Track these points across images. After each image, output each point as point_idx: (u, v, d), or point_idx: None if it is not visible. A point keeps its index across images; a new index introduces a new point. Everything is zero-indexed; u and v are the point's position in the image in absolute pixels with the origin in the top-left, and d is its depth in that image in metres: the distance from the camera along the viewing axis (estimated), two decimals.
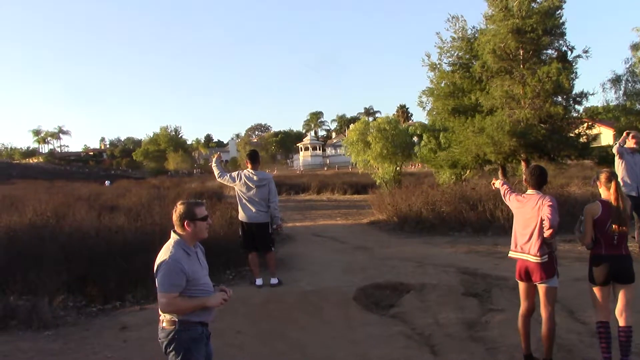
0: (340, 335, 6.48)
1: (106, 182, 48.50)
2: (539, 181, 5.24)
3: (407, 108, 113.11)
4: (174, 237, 3.72)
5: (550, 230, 4.82)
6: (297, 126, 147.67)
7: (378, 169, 28.72)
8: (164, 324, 3.64)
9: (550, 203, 4.93)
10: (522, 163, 19.31)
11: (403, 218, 15.01)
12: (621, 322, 4.90)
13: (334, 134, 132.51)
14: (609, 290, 5.01)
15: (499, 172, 21.15)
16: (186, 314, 3.60)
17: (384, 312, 7.35)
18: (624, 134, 9.23)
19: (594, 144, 22.33)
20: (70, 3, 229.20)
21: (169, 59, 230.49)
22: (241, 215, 8.63)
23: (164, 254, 3.64)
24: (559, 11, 18.57)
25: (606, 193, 5.04)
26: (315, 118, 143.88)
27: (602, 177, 5.11)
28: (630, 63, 28.57)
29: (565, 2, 18.56)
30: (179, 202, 3.84)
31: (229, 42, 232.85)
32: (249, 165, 8.72)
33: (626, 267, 4.94)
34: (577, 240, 5.47)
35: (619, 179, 8.62)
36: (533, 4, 18.48)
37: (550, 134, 18.27)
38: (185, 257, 3.65)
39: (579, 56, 18.93)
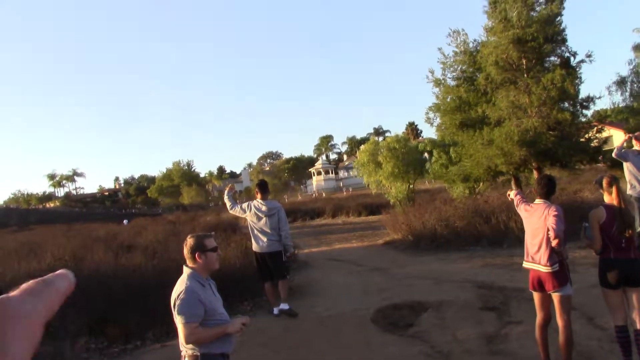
0: (361, 357, 6.47)
1: (124, 221, 48.88)
2: (546, 190, 5.26)
3: (416, 125, 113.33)
4: (186, 270, 3.81)
5: (557, 240, 4.83)
6: (308, 151, 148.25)
7: (391, 188, 28.70)
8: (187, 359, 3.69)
9: (556, 212, 4.94)
10: (534, 172, 19.24)
11: (418, 236, 14.97)
12: (637, 326, 4.87)
13: (345, 157, 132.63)
14: (621, 294, 4.99)
15: (512, 183, 21.07)
16: (207, 346, 3.65)
17: (403, 332, 7.31)
18: (625, 136, 9.18)
19: (606, 147, 22.22)
20: (78, 41, 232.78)
21: (177, 94, 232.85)
22: (254, 246, 8.68)
23: (179, 287, 3.72)
24: (559, 18, 18.64)
25: (609, 197, 5.05)
26: (326, 142, 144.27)
27: (604, 181, 5.12)
28: (634, 64, 28.56)
29: (564, 8, 18.65)
30: (189, 236, 3.94)
31: (231, 71, 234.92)
32: (259, 196, 8.78)
33: (636, 270, 4.92)
34: (585, 246, 5.47)
35: (627, 182, 8.64)
36: (532, 13, 18.57)
37: (560, 140, 18.21)
38: (201, 288, 3.73)
39: (582, 61, 18.93)
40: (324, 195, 69.51)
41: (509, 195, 5.98)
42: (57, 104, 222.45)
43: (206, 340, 3.64)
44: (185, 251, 3.85)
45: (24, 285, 0.62)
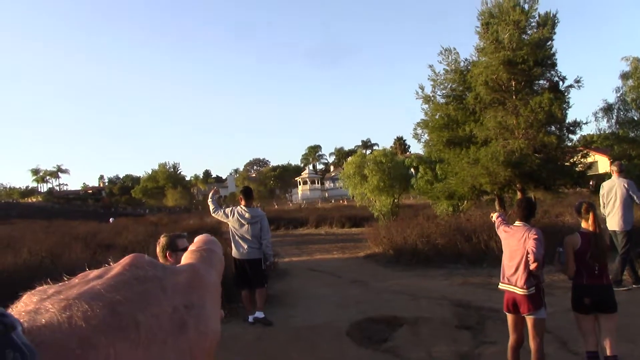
0: None
1: (111, 219, 48.86)
2: (526, 213, 5.29)
3: (404, 140, 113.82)
4: None
5: (536, 264, 4.85)
6: (296, 160, 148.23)
7: (375, 201, 28.73)
8: None
9: (536, 236, 4.97)
10: (519, 193, 19.35)
11: (398, 251, 14.97)
12: (607, 352, 4.91)
13: (332, 167, 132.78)
14: (593, 320, 5.02)
15: (496, 203, 21.19)
16: None
17: (377, 347, 7.30)
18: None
19: (590, 172, 22.42)
20: (66, 40, 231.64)
21: (167, 95, 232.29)
22: (234, 252, 8.65)
23: None
24: (549, 42, 18.83)
25: (585, 224, 5.09)
26: (314, 152, 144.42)
27: (582, 208, 5.17)
28: (621, 92, 28.87)
29: (555, 33, 18.86)
30: (162, 235, 3.91)
31: (225, 76, 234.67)
32: (243, 202, 8.76)
33: (608, 296, 4.97)
34: (559, 271, 5.50)
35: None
36: (523, 36, 18.74)
37: (545, 163, 18.36)
38: None
39: (570, 86, 19.14)
40: (319, 204, 69.32)
41: (492, 217, 6.01)
42: (44, 99, 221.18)
43: None
44: (158, 250, 3.83)
45: (194, 255, 0.63)
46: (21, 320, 0.45)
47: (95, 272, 0.56)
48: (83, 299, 0.48)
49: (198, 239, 0.69)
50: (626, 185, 9.48)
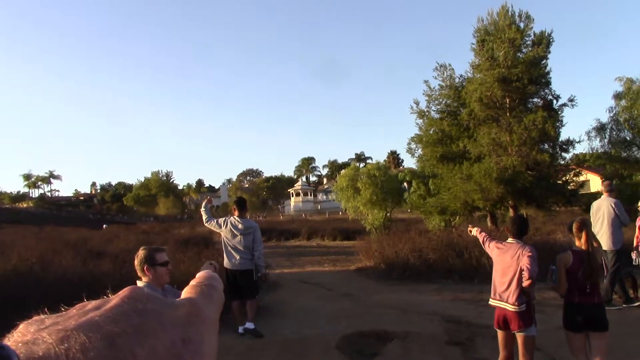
0: None
1: (104, 225, 49.08)
2: (519, 230, 5.32)
3: (398, 154, 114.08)
4: (140, 285, 3.70)
5: (529, 281, 4.87)
6: (289, 171, 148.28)
7: (368, 215, 28.77)
8: None
9: (530, 254, 4.99)
10: (510, 210, 19.42)
11: (390, 265, 14.95)
12: None
13: (325, 180, 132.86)
14: (584, 338, 5.02)
15: (488, 219, 21.26)
16: None
17: None
18: None
19: (582, 191, 22.53)
20: (58, 46, 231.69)
21: (161, 104, 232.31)
22: (226, 263, 8.62)
23: None
24: (544, 61, 19.01)
25: (578, 242, 5.12)
26: (307, 163, 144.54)
27: (574, 226, 5.19)
28: (614, 112, 29.09)
29: (550, 52, 19.03)
30: (141, 248, 3.87)
31: (220, 87, 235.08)
32: (236, 213, 8.74)
33: (599, 315, 4.98)
34: (551, 289, 5.51)
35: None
36: (518, 54, 18.90)
37: (538, 180, 18.46)
38: (160, 293, 3.66)
39: (564, 105, 19.33)
40: (317, 216, 69.28)
41: (470, 231, 6.02)
42: (37, 104, 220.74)
43: None
44: (136, 262, 3.78)
45: (195, 290, 0.63)
46: (18, 352, 0.45)
47: (93, 303, 0.56)
48: (81, 331, 0.48)
49: (200, 275, 0.70)
50: (613, 205, 9.54)
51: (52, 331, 0.48)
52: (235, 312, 8.65)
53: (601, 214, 9.63)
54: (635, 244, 9.88)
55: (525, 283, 4.92)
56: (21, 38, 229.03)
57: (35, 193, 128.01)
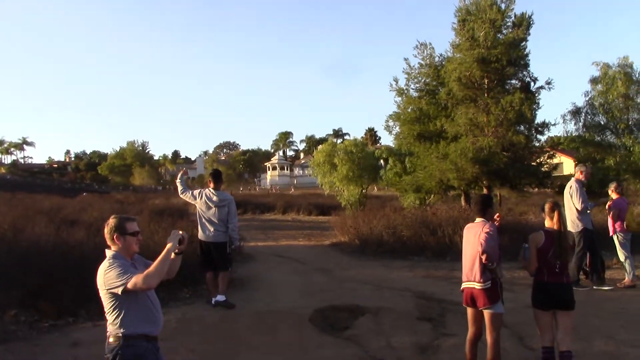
0: (294, 356, 6.47)
1: (84, 193, 48.64)
2: (481, 208, 5.40)
3: (376, 131, 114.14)
4: (109, 252, 3.73)
5: (485, 255, 4.95)
6: (266, 145, 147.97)
7: (344, 191, 28.88)
8: (110, 340, 3.61)
9: (488, 230, 5.07)
10: (485, 189, 19.63)
11: (364, 241, 15.07)
12: (562, 347, 5.02)
13: (302, 155, 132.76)
14: (551, 316, 5.13)
15: (462, 198, 21.47)
16: (130, 326, 3.57)
17: (339, 334, 7.35)
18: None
19: (555, 173, 22.82)
20: (36, 10, 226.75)
21: (137, 72, 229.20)
22: (200, 234, 8.63)
23: (104, 263, 3.66)
24: (523, 43, 19.12)
25: (550, 222, 5.21)
26: (284, 138, 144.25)
27: (546, 206, 5.28)
28: (589, 96, 29.38)
29: (529, 34, 19.12)
30: (112, 217, 3.85)
31: (199, 57, 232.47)
32: (211, 185, 8.72)
33: (567, 294, 5.09)
34: (522, 267, 5.62)
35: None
36: (498, 35, 18.96)
37: (512, 162, 18.66)
38: (128, 262, 3.69)
39: (541, 87, 19.51)
40: (292, 190, 69.18)
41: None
42: (10, 68, 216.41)
43: (160, 272, 3.52)
44: (106, 231, 3.76)
45: None
46: None
47: None
48: None
49: None
50: (570, 188, 9.62)
51: None
52: (208, 283, 8.69)
53: (566, 196, 9.74)
54: (611, 232, 9.93)
55: (483, 258, 5.00)
56: None
57: (8, 159, 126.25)
